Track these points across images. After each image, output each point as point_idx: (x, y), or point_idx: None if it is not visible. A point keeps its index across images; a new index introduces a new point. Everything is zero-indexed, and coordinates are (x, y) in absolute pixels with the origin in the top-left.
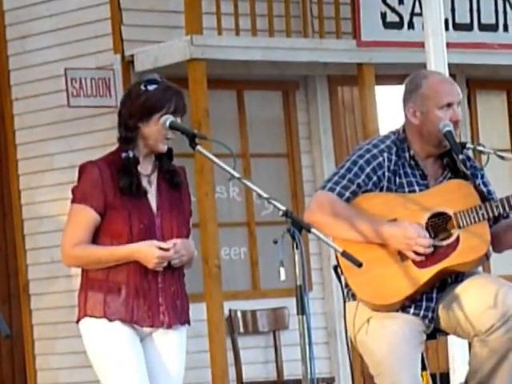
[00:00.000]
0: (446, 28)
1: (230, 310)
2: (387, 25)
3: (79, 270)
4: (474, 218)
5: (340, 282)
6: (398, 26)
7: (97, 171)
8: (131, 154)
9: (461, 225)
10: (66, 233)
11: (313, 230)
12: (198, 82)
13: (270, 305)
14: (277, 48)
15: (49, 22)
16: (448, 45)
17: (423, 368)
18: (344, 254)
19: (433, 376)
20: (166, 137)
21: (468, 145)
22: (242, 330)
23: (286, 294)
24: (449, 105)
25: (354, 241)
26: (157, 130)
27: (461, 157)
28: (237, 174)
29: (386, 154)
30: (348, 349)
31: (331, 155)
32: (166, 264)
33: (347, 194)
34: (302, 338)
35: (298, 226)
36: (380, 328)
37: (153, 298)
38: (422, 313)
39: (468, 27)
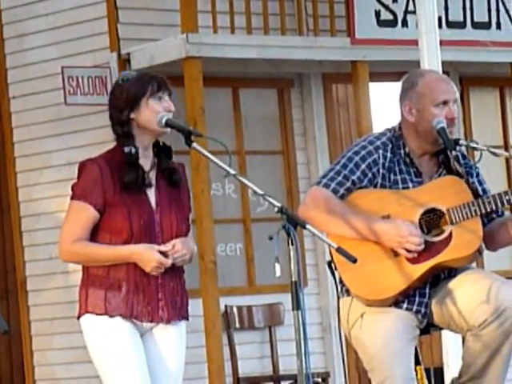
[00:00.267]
0: (440, 26)
1: (226, 306)
2: (381, 23)
3: (77, 267)
4: (466, 214)
5: (334, 277)
6: (392, 24)
7: (97, 169)
8: (133, 150)
9: (453, 221)
10: (65, 229)
11: (308, 226)
12: (193, 80)
13: (266, 300)
14: (272, 46)
15: (46, 21)
16: (441, 42)
17: (417, 363)
18: (339, 250)
19: (427, 371)
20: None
21: (461, 141)
22: (237, 325)
23: (281, 289)
24: (445, 102)
25: (348, 237)
26: (150, 113)
27: (454, 153)
28: (232, 171)
29: (381, 151)
30: (342, 344)
31: (326, 152)
32: (163, 270)
33: (342, 190)
34: (297, 333)
35: (293, 223)
36: (373, 323)
37: (152, 293)
38: (415, 308)
39: (461, 25)
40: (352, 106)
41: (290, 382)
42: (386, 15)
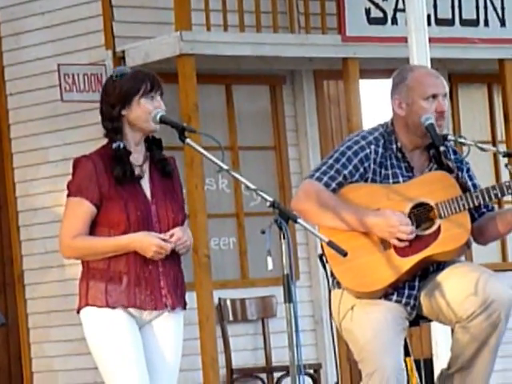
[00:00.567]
0: (429, 23)
1: (219, 299)
2: (371, 20)
3: (73, 260)
4: (455, 208)
5: (325, 270)
6: (382, 21)
7: (91, 164)
8: (122, 145)
9: (442, 215)
10: (64, 225)
11: (299, 220)
12: (187, 77)
13: (259, 293)
14: (264, 43)
15: (42, 19)
16: (430, 40)
17: (407, 354)
18: (330, 244)
19: (416, 362)
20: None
21: (449, 137)
22: (231, 318)
23: (273, 282)
24: (434, 96)
25: (339, 230)
26: (141, 111)
27: (442, 148)
28: (225, 167)
29: (373, 147)
30: (333, 336)
31: (317, 147)
32: (164, 256)
33: (334, 184)
34: (289, 325)
35: (284, 217)
36: (364, 315)
37: (154, 281)
38: (404, 300)
39: (450, 22)
40: (343, 102)
41: (283, 373)
42: (376, 13)
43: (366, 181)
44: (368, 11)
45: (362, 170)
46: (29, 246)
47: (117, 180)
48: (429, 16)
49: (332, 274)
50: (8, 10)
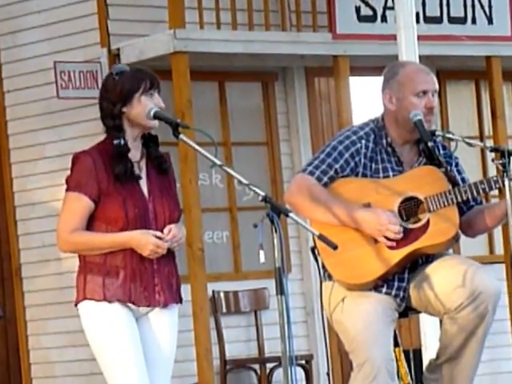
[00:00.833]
0: (417, 21)
1: (213, 291)
2: (361, 18)
3: (69, 254)
4: (443, 202)
5: (317, 262)
6: (372, 19)
7: (90, 160)
8: (122, 141)
9: (431, 209)
10: (62, 220)
11: (291, 214)
12: (181, 74)
13: (252, 286)
14: (256, 41)
15: (38, 18)
16: (419, 37)
17: (396, 345)
18: (320, 237)
19: (406, 352)
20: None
21: (437, 132)
22: (224, 310)
23: (266, 275)
24: (424, 92)
25: (330, 223)
26: (142, 108)
27: (430, 144)
28: (218, 162)
29: (363, 141)
30: (325, 327)
31: (308, 143)
32: (160, 254)
33: (325, 178)
34: (281, 317)
35: (276, 211)
36: (354, 306)
37: (148, 278)
38: (393, 292)
39: (438, 20)
40: (333, 99)
41: (275, 363)
42: (365, 11)
43: (356, 175)
44: (358, 9)
45: (352, 164)
46: (26, 240)
47: (117, 178)
48: (417, 14)
49: (323, 267)
50: (5, 8)
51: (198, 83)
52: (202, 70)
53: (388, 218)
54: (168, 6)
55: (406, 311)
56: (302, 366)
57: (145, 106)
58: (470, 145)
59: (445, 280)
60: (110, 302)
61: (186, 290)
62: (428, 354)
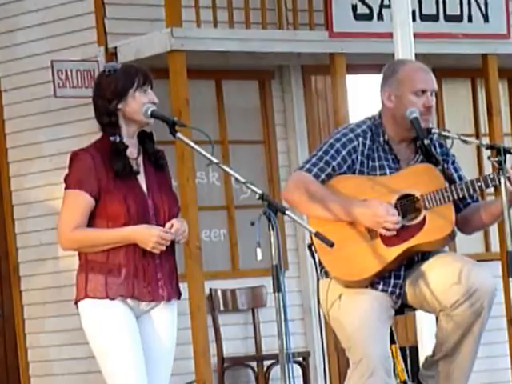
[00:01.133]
0: (414, 19)
1: (210, 289)
2: (358, 16)
3: (67, 252)
4: (440, 199)
5: (314, 259)
6: (368, 17)
7: (89, 157)
8: (118, 139)
9: (427, 206)
10: (63, 218)
11: (288, 212)
12: (178, 73)
13: (249, 284)
14: (253, 39)
15: (36, 17)
16: (415, 35)
17: (392, 342)
18: (317, 235)
19: (402, 349)
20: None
21: (433, 130)
22: (222, 307)
23: (263, 273)
24: (423, 91)
25: (328, 220)
26: (137, 104)
27: (426, 141)
28: (216, 160)
29: (361, 139)
30: (322, 325)
31: (305, 141)
32: (164, 247)
33: (323, 175)
34: (278, 314)
35: (273, 209)
36: (351, 303)
37: (151, 273)
38: (390, 289)
39: (434, 18)
40: (330, 97)
41: (273, 361)
42: (362, 9)
43: (353, 172)
44: (354, 7)
45: (349, 161)
46: (24, 239)
47: (116, 174)
48: (414, 12)
49: (320, 264)
50: (2, 7)
51: (195, 82)
52: (198, 69)
53: (385, 209)
54: (165, 4)
55: (402, 308)
56: (299, 363)
57: (140, 102)
58: (466, 142)
59: (441, 277)
60: (112, 299)
61: (183, 288)
62: (424, 351)
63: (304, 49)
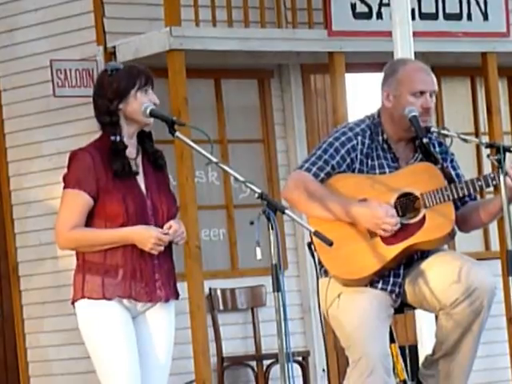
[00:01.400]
0: (413, 17)
1: (210, 289)
2: (357, 15)
3: (65, 252)
4: (439, 198)
5: (313, 258)
6: (367, 16)
7: (88, 157)
8: (118, 138)
9: (427, 205)
10: (61, 217)
11: (287, 211)
12: (177, 72)
13: (248, 283)
14: (252, 38)
15: (35, 16)
16: (414, 33)
17: (392, 341)
18: (316, 234)
19: (401, 348)
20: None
21: (433, 128)
22: (221, 307)
23: (263, 272)
24: (422, 92)
25: (327, 219)
26: (138, 104)
27: (425, 140)
28: (215, 159)
29: (359, 138)
30: (321, 324)
31: (304, 140)
32: (162, 248)
33: (322, 174)
34: (277, 314)
35: (272, 208)
36: (350, 302)
37: (149, 274)
38: (389, 288)
39: (433, 16)
40: (329, 96)
41: (272, 360)
42: (361, 8)
43: (353, 171)
44: (353, 6)
45: (348, 160)
46: (23, 239)
47: (115, 174)
48: (413, 10)
49: (320, 262)
50: (1, 7)
51: (194, 81)
52: (197, 68)
53: (385, 211)
54: (164, 3)
55: (402, 307)
56: (298, 362)
57: (140, 103)
58: (465, 141)
59: (440, 276)
60: (108, 299)
61: (182, 288)
62: (424, 350)
63: (303, 48)
